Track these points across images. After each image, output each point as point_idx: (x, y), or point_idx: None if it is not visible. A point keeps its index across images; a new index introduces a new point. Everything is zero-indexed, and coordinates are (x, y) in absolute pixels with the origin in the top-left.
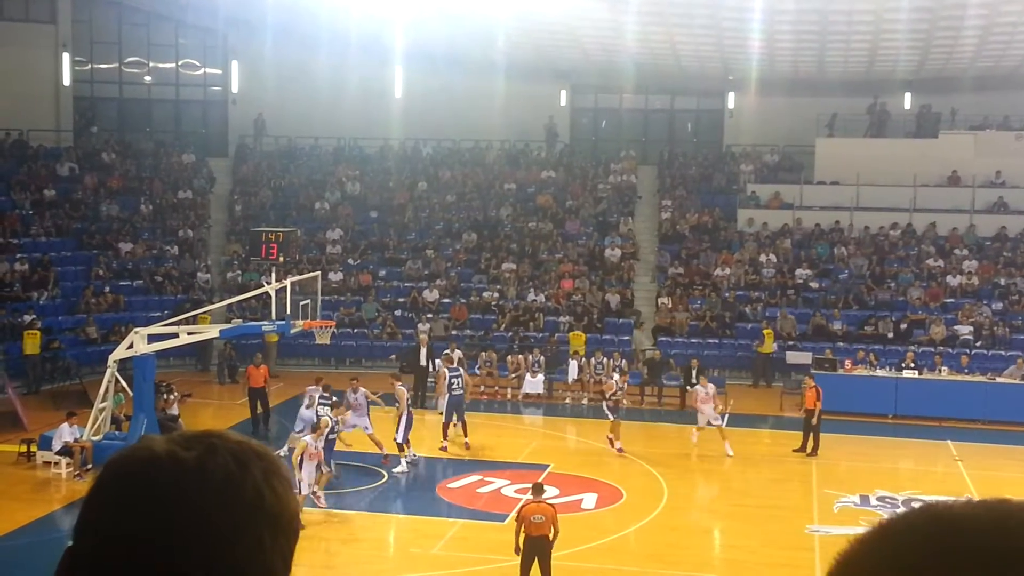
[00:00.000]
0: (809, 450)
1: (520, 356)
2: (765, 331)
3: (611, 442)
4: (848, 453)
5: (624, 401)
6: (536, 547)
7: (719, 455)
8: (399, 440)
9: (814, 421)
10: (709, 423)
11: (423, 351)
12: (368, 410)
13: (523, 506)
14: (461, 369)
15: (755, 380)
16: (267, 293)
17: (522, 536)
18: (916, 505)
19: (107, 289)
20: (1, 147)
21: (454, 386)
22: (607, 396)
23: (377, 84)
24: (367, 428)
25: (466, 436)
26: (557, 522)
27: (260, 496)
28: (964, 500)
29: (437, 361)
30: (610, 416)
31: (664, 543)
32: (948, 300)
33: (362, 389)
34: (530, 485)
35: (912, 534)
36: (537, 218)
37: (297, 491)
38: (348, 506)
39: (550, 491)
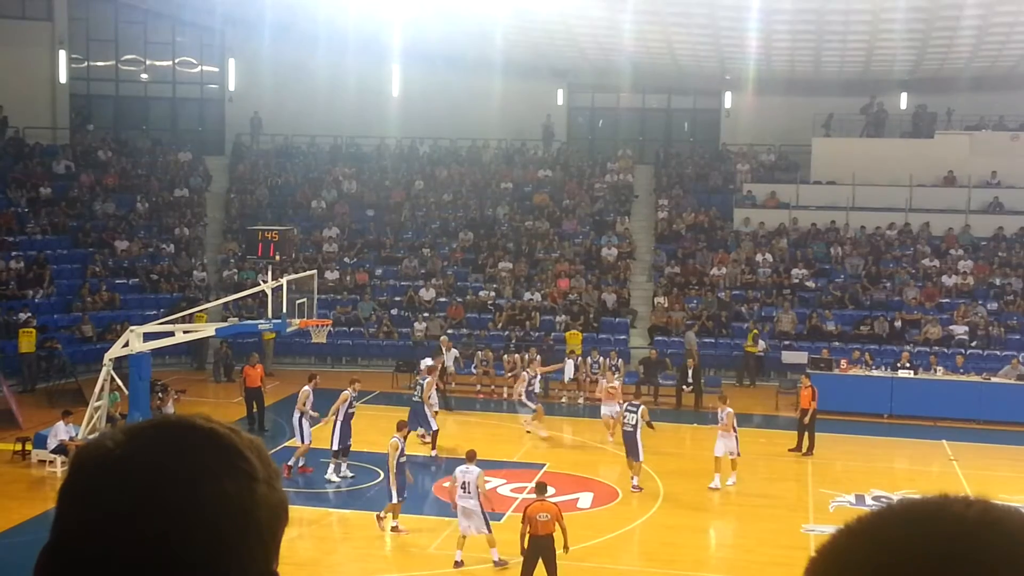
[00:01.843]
0: (804, 450)
1: (516, 355)
2: (753, 331)
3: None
4: (844, 453)
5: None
6: (541, 546)
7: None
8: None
9: (806, 421)
10: (730, 454)
11: (444, 353)
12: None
13: (528, 506)
14: (430, 377)
15: (739, 379)
16: (263, 292)
17: (527, 537)
18: (892, 502)
19: (103, 287)
20: None
21: (415, 395)
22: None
23: (374, 83)
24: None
25: (433, 447)
26: (563, 520)
27: (193, 489)
28: (936, 498)
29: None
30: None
31: (660, 542)
32: (944, 300)
33: (307, 388)
34: (526, 484)
35: (878, 534)
36: (534, 217)
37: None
38: (344, 504)
39: (548, 489)
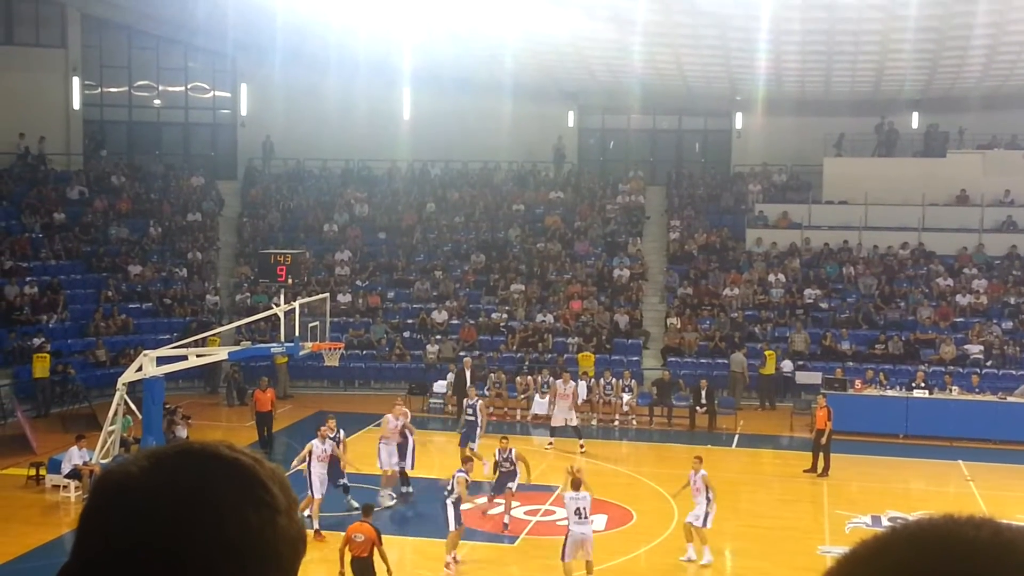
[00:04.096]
0: (820, 471)
1: (529, 377)
2: (767, 353)
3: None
4: (859, 473)
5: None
6: (360, 567)
7: (728, 477)
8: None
9: (823, 441)
10: (696, 518)
11: (468, 373)
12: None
13: (350, 526)
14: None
15: (762, 402)
16: (276, 315)
17: (349, 557)
18: (898, 524)
19: (116, 312)
20: (11, 170)
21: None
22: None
23: (385, 106)
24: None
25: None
26: (381, 545)
27: (215, 519)
28: (945, 520)
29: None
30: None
31: (675, 565)
32: (958, 319)
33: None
34: (539, 507)
35: (887, 557)
36: (545, 239)
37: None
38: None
39: (559, 512)
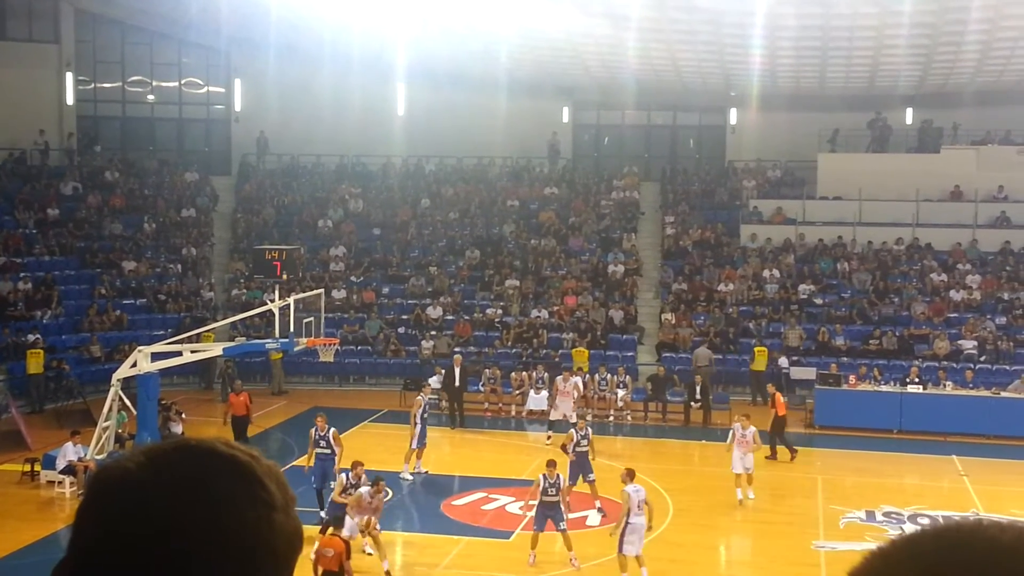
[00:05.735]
0: (768, 454)
1: (524, 373)
2: (756, 349)
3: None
4: (853, 468)
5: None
6: None
7: (723, 472)
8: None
9: (770, 427)
10: (746, 469)
11: (457, 371)
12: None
13: (321, 538)
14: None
15: (753, 397)
16: (271, 311)
17: (320, 570)
18: (927, 524)
19: (110, 307)
20: (4, 165)
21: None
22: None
23: (379, 101)
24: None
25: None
26: (347, 561)
27: (212, 515)
28: (972, 521)
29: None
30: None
31: (669, 559)
32: (952, 315)
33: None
34: (535, 502)
35: (913, 554)
36: (540, 234)
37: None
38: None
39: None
